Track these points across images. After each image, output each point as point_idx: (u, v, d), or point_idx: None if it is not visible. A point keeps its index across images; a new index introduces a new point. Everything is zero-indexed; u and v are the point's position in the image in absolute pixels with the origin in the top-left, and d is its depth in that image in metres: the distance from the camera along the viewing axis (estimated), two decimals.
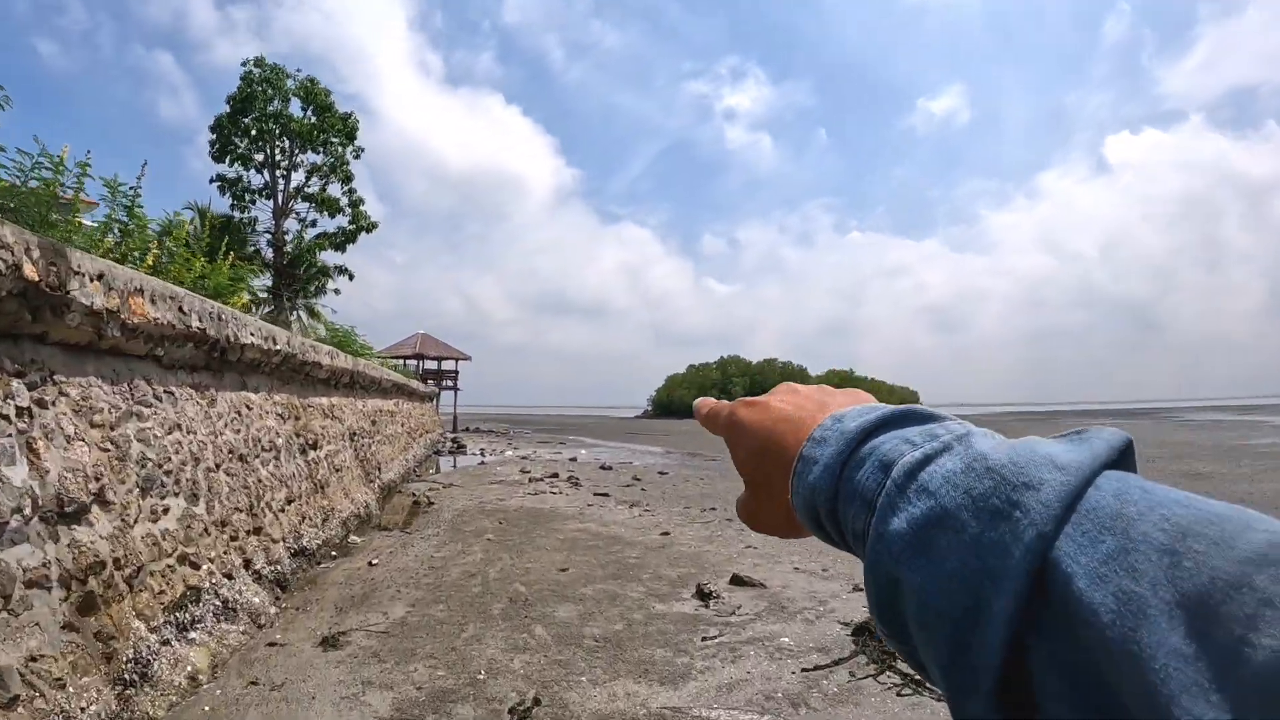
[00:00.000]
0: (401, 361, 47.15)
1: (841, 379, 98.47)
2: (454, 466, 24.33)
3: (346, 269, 23.00)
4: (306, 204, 23.23)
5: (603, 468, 22.84)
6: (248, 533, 7.83)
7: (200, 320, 7.30)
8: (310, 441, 11.16)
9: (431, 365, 50.12)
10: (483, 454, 29.19)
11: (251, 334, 8.75)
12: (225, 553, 7.16)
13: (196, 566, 6.56)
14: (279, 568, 8.22)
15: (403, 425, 22.62)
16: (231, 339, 8.17)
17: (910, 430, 0.45)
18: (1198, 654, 0.28)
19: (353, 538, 11.10)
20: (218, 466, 7.62)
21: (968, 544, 0.36)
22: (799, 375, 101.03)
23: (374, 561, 9.41)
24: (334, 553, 9.98)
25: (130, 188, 9.07)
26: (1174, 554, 0.30)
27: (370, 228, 22.64)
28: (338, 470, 12.30)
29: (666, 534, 11.74)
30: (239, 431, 8.45)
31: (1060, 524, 0.34)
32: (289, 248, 22.36)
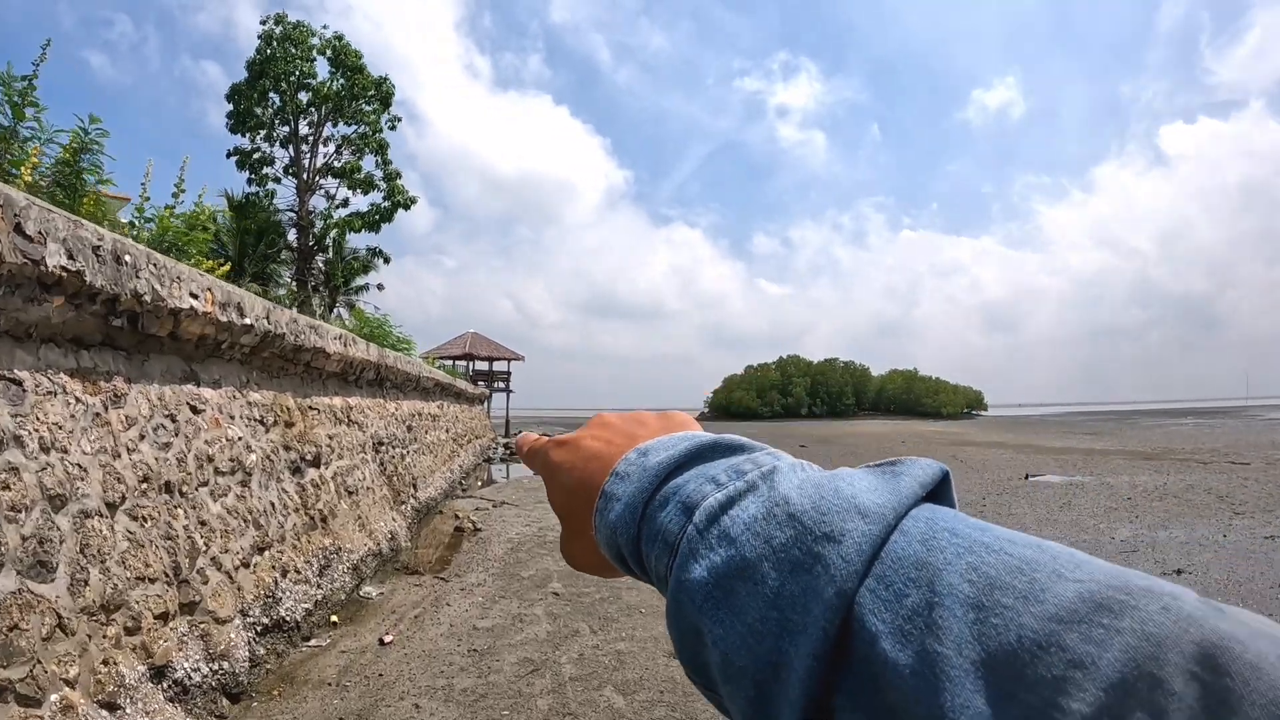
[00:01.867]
0: (451, 362, 44.62)
1: (906, 379, 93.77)
2: (506, 477, 21.30)
3: (381, 252, 20.11)
4: (336, 180, 20.44)
5: None
6: (163, 616, 4.75)
7: (73, 255, 4.24)
8: (308, 457, 8.10)
9: (482, 366, 47.47)
10: None
11: (195, 295, 5.68)
12: (103, 664, 4.08)
13: (26, 703, 3.50)
14: (226, 665, 5.12)
15: (447, 431, 19.66)
16: (152, 298, 5.10)
17: (717, 466, 0.42)
18: (1002, 719, 0.26)
19: (366, 589, 8.01)
20: (112, 507, 4.56)
21: (768, 597, 0.34)
22: (861, 374, 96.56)
23: (387, 637, 6.27)
24: (333, 618, 6.89)
25: (24, 79, 6.13)
26: (981, 608, 0.28)
27: (409, 203, 19.74)
28: (351, 494, 9.24)
29: None
30: (167, 447, 5.38)
31: (861, 578, 0.32)
32: (316, 229, 19.57)
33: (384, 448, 11.74)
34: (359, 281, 40.17)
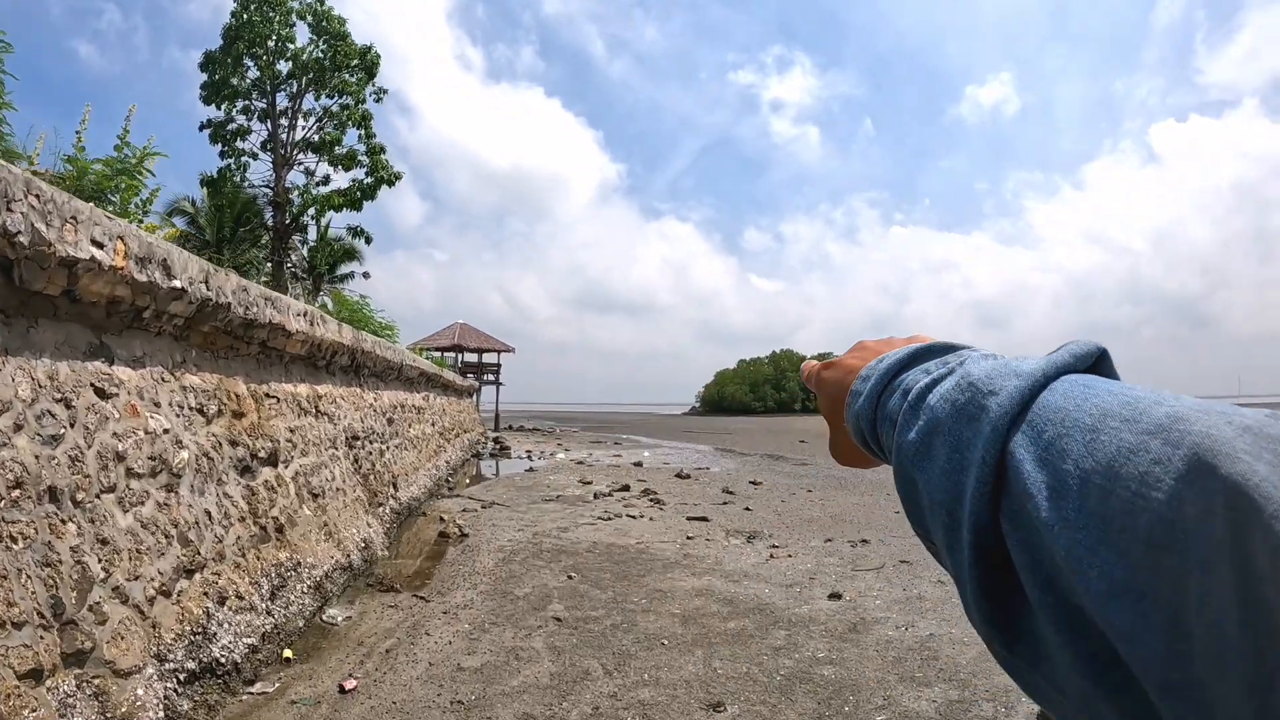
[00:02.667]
0: (439, 354, 43.24)
1: None
2: (496, 474, 20.02)
3: (363, 231, 18.73)
4: (315, 155, 19.05)
5: (679, 476, 18.35)
6: (33, 674, 3.47)
7: None
8: (261, 454, 6.81)
9: (471, 358, 46.11)
10: (530, 457, 24.88)
11: (99, 244, 4.38)
12: None
13: None
14: None
15: (433, 424, 18.35)
16: (32, 241, 3.82)
17: (931, 362, 0.52)
18: (1105, 513, 0.33)
19: (331, 611, 6.73)
20: None
21: (951, 444, 0.43)
22: None
23: (349, 683, 5.00)
24: (287, 653, 5.61)
25: None
26: (1095, 431, 0.36)
27: (393, 179, 18.35)
28: (316, 496, 7.95)
29: (837, 597, 7.27)
30: (55, 441, 4.09)
31: (1014, 420, 0.40)
32: (294, 206, 18.17)
33: (360, 443, 10.44)
34: (344, 269, 38.86)
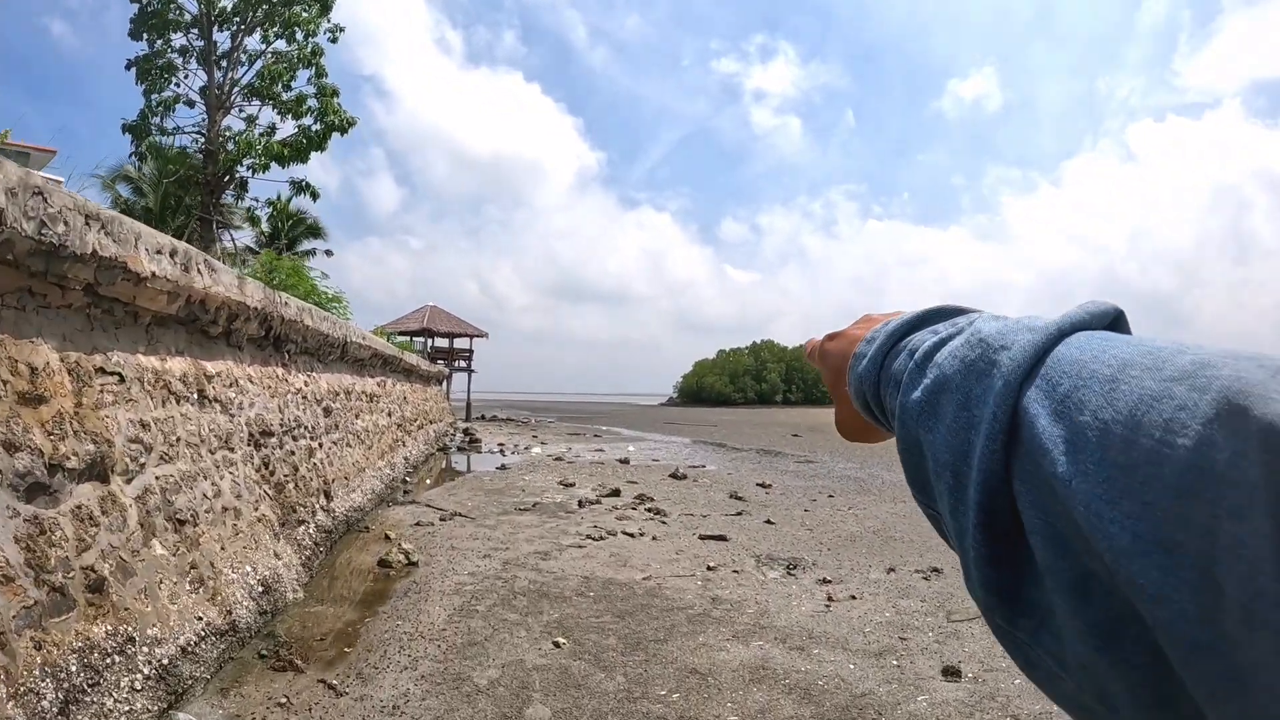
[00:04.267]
0: (408, 338, 40.46)
1: None
2: (467, 469, 17.47)
3: (309, 186, 16.00)
4: (259, 101, 16.29)
5: (674, 476, 15.91)
6: None
7: None
8: (71, 462, 4.25)
9: (442, 343, 43.33)
10: (502, 451, 22.30)
11: None
12: None
13: None
14: None
15: (390, 415, 15.75)
16: None
17: (940, 324, 0.50)
18: (1128, 463, 0.31)
19: (182, 718, 4.22)
20: None
21: (960, 401, 0.41)
22: None
23: None
24: None
25: None
26: (1114, 381, 0.34)
27: (345, 126, 15.63)
28: (182, 524, 5.40)
29: (955, 674, 5.02)
30: None
31: (1026, 374, 0.38)
32: (229, 154, 15.37)
33: (275, 440, 7.88)
34: (305, 246, 36.01)
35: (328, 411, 10.38)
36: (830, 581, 7.53)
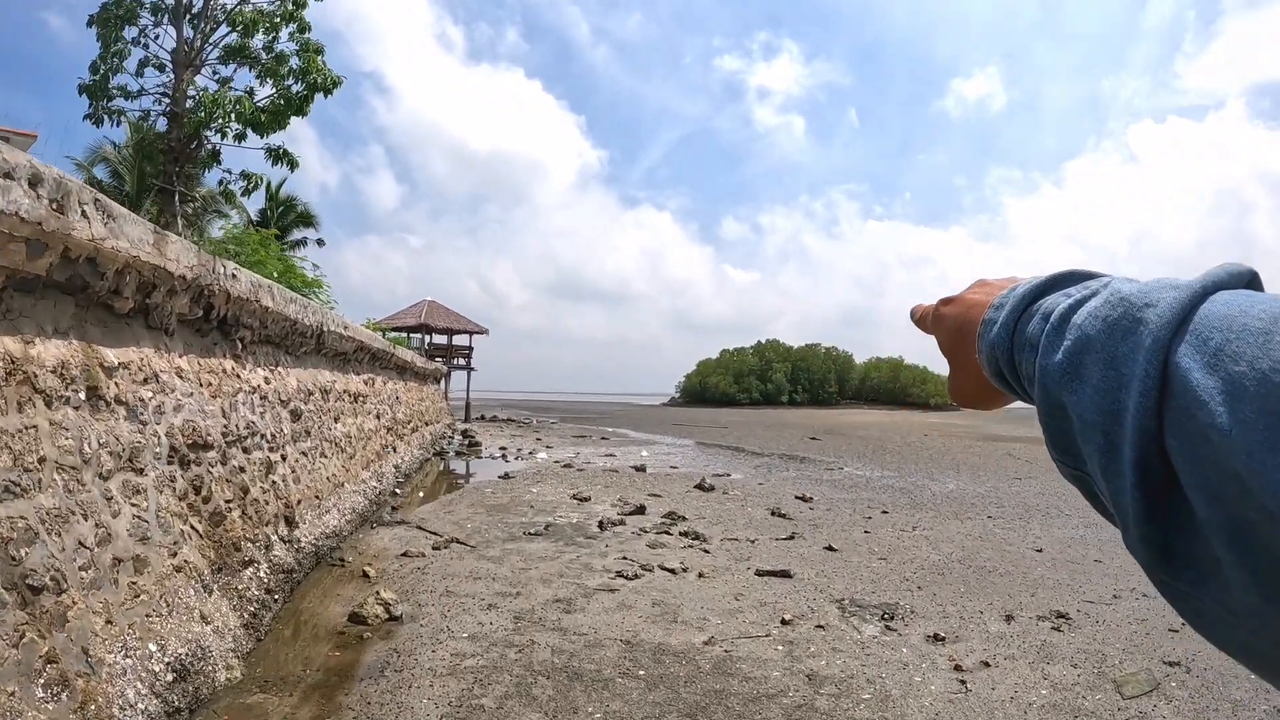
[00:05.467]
0: (405, 335, 38.56)
1: (892, 367, 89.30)
2: (466, 479, 15.59)
3: (286, 154, 14.10)
4: (233, 64, 14.38)
5: (700, 488, 14.04)
6: None
7: None
8: None
9: (441, 340, 41.41)
10: (505, 456, 20.41)
11: None
12: None
13: None
14: None
15: (380, 417, 13.88)
16: None
17: (1071, 287, 0.50)
18: None
19: None
20: None
21: (1106, 360, 0.41)
22: (844, 361, 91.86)
23: None
24: None
25: None
26: (1267, 334, 0.34)
27: (330, 86, 13.71)
28: (32, 594, 3.51)
29: None
30: None
31: (1175, 330, 0.38)
32: (196, 116, 13.45)
33: (212, 454, 6.00)
34: (296, 235, 34.13)
35: (296, 415, 8.51)
36: (944, 639, 5.69)
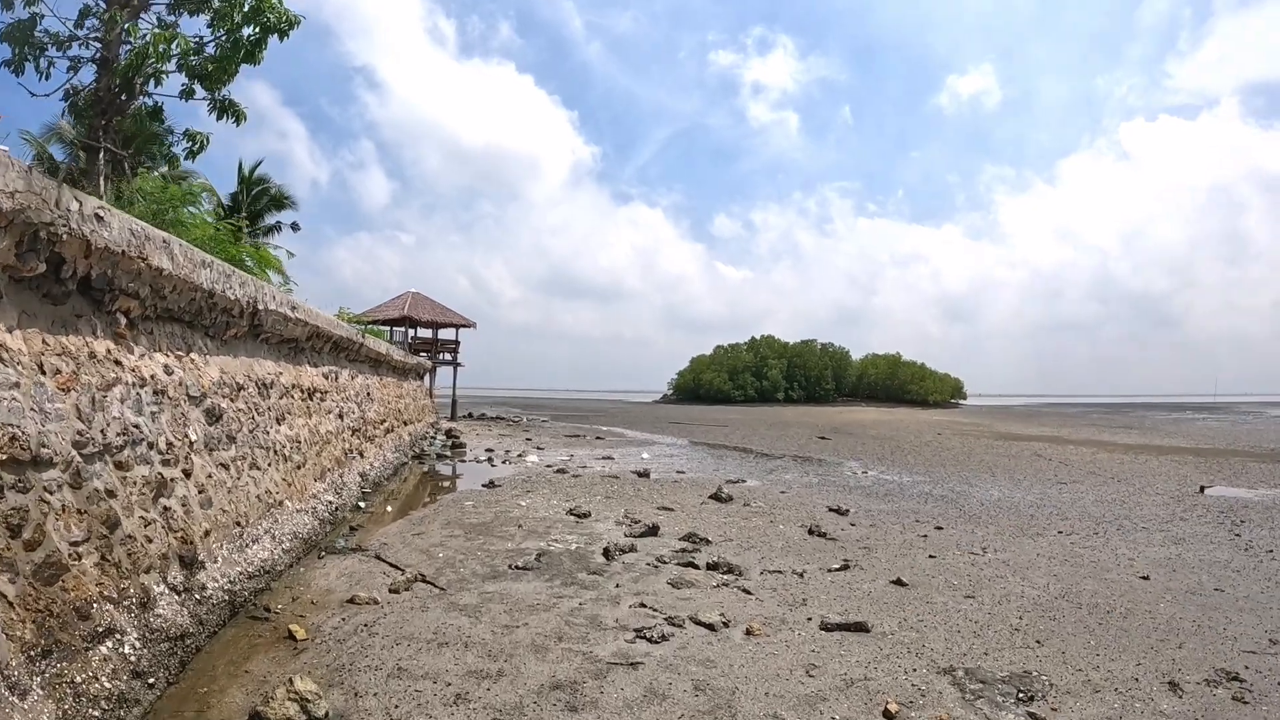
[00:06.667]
0: (388, 328, 36.47)
1: (889, 364, 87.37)
2: (445, 487, 13.64)
3: (233, 106, 12.14)
4: (182, 10, 12.38)
5: (716, 498, 12.14)
6: None
7: None
8: None
9: (426, 334, 39.32)
10: (491, 460, 18.44)
11: None
12: None
13: None
14: None
15: (344, 417, 11.92)
16: None
17: None
18: None
19: None
20: None
21: None
22: (840, 358, 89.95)
23: None
24: None
25: None
26: None
27: (286, 27, 11.69)
28: None
29: None
30: None
31: None
32: (129, 59, 11.47)
33: (50, 474, 4.06)
34: (270, 219, 31.94)
35: (214, 416, 6.56)
36: None
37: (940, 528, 10.22)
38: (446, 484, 14.38)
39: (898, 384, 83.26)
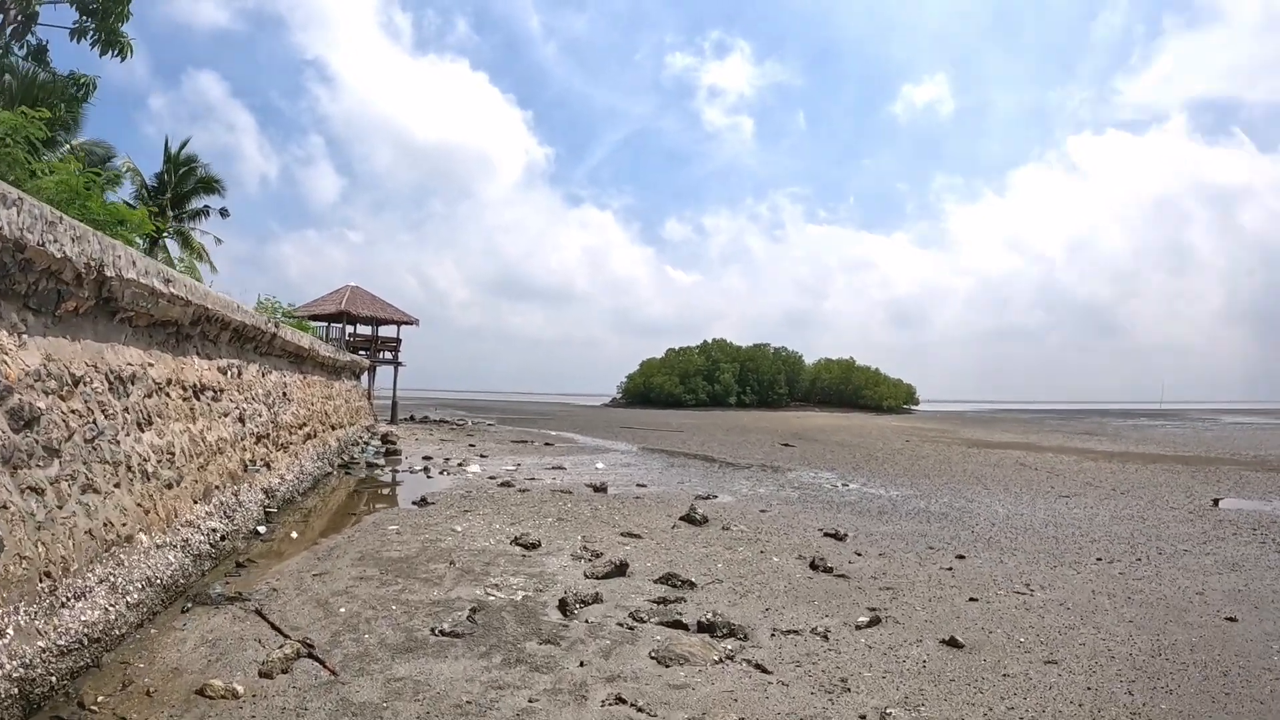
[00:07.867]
0: (324, 324, 34.03)
1: (843, 369, 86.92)
2: (369, 501, 11.71)
3: (117, 35, 10.06)
4: None
5: (688, 520, 10.47)
6: None
7: None
8: None
9: (366, 331, 36.88)
10: (428, 470, 16.43)
11: None
12: None
13: None
14: None
15: (246, 421, 9.92)
16: None
17: None
18: None
19: None
20: None
21: None
22: (794, 362, 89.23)
23: None
24: None
25: None
26: None
27: None
28: None
29: None
30: None
31: None
32: None
33: None
34: (197, 204, 29.33)
35: (26, 420, 4.62)
36: None
37: (962, 556, 8.71)
38: (370, 502, 12.42)
39: (851, 389, 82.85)
